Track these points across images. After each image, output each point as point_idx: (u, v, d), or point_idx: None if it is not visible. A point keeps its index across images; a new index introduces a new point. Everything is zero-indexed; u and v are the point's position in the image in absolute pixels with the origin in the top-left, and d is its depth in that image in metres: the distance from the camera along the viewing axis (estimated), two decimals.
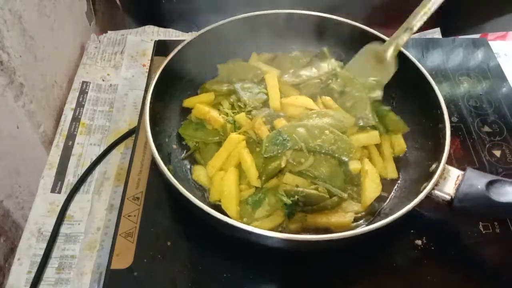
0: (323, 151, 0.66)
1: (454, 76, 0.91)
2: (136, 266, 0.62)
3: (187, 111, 0.76)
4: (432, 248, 0.66)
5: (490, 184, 0.57)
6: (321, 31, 0.81)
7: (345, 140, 0.67)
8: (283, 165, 0.65)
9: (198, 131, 0.73)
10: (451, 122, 0.82)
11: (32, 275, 0.66)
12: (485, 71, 0.93)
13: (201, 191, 0.69)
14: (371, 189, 0.67)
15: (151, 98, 0.67)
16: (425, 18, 0.72)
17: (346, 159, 0.67)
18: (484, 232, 0.68)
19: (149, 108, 0.65)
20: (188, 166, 0.72)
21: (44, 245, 0.69)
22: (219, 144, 0.70)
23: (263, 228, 0.59)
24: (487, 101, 0.87)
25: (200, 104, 0.74)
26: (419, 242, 0.66)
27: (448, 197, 0.60)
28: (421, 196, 0.58)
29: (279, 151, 0.65)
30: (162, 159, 0.61)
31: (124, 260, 0.63)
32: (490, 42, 0.98)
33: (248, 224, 0.60)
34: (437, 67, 0.93)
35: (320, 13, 0.80)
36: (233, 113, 0.72)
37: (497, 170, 0.76)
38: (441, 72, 0.92)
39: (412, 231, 0.67)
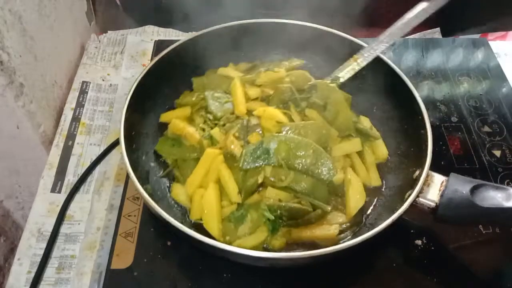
0: (303, 170, 0.63)
1: (454, 76, 0.91)
2: (136, 266, 0.63)
3: (165, 126, 0.74)
4: (432, 248, 0.66)
5: (474, 189, 0.56)
6: (300, 40, 0.79)
7: (327, 158, 0.64)
8: (260, 181, 0.63)
9: (175, 148, 0.70)
10: (451, 122, 0.83)
11: (32, 275, 0.66)
12: (485, 71, 0.93)
13: (182, 209, 0.67)
14: (355, 199, 0.65)
15: (126, 114, 0.65)
16: (349, 74, 0.74)
17: (327, 177, 0.63)
18: (484, 232, 0.68)
19: (123, 125, 0.64)
20: (168, 184, 0.70)
21: (44, 245, 0.69)
22: (198, 160, 0.67)
23: (246, 246, 0.57)
24: (487, 101, 0.87)
25: (176, 119, 0.72)
26: (419, 242, 0.66)
27: (433, 204, 0.58)
28: (406, 205, 0.57)
29: (259, 164, 0.63)
30: (139, 178, 0.59)
31: (124, 260, 0.63)
32: (490, 42, 0.98)
33: (231, 242, 0.59)
34: (437, 67, 0.93)
35: (300, 22, 0.79)
36: (210, 128, 0.70)
37: (497, 170, 0.76)
38: (441, 72, 0.92)
39: (412, 231, 0.67)
